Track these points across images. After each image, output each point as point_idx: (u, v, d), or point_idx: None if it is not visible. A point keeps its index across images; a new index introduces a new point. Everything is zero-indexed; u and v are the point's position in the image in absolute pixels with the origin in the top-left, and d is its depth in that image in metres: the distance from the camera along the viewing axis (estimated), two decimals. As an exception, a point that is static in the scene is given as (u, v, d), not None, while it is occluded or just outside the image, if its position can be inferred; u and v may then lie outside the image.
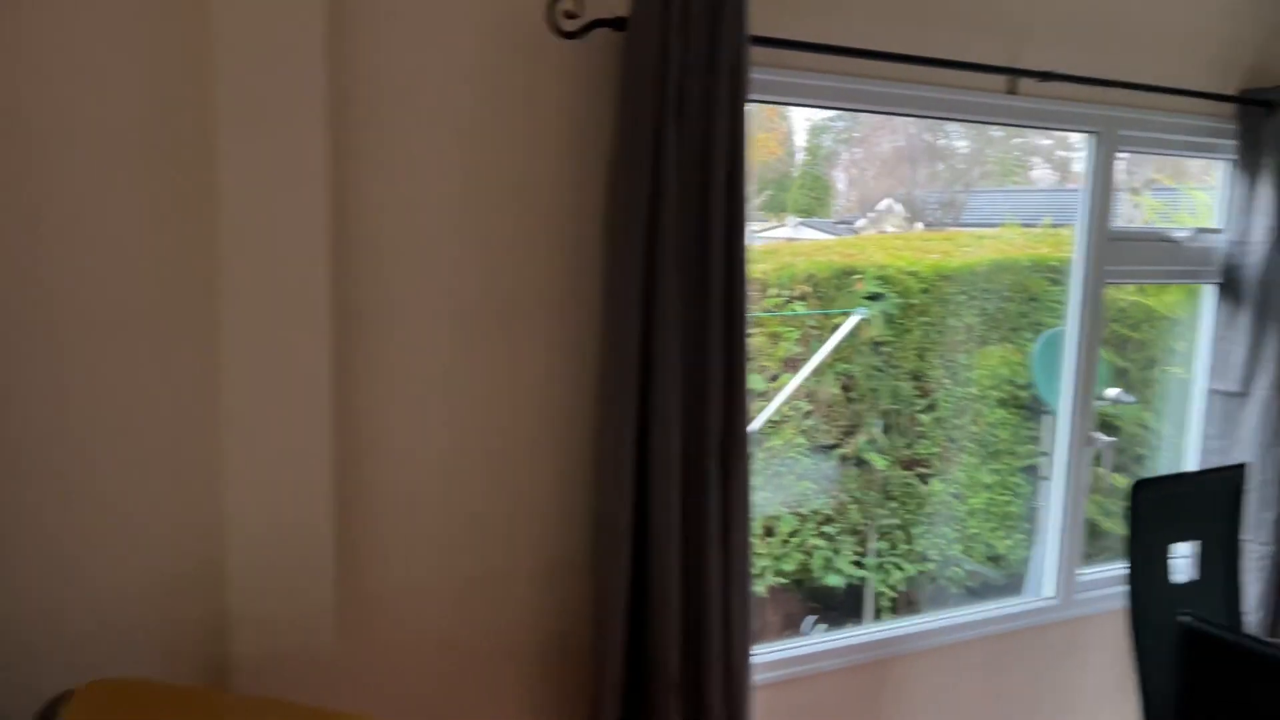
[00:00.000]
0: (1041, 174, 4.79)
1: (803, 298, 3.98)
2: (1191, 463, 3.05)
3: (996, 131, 4.35)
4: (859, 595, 3.91)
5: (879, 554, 3.93)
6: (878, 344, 3.91)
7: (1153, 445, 3.56)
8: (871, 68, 2.27)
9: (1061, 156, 4.44)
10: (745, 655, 2.09)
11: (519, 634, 2.06)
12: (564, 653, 2.09)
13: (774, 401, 3.88)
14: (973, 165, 4.68)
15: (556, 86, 1.94)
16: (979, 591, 3.80)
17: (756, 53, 1.97)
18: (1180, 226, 2.92)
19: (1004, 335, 3.94)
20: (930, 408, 3.87)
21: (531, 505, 2.03)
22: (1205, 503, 2.45)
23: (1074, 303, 2.76)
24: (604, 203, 1.98)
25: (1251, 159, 2.81)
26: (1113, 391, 3.47)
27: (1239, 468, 2.48)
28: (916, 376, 3.87)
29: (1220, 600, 2.49)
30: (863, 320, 3.92)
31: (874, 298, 3.88)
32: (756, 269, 3.74)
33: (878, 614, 3.86)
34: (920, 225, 4.79)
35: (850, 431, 3.97)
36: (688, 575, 1.99)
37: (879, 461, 3.92)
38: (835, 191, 5.00)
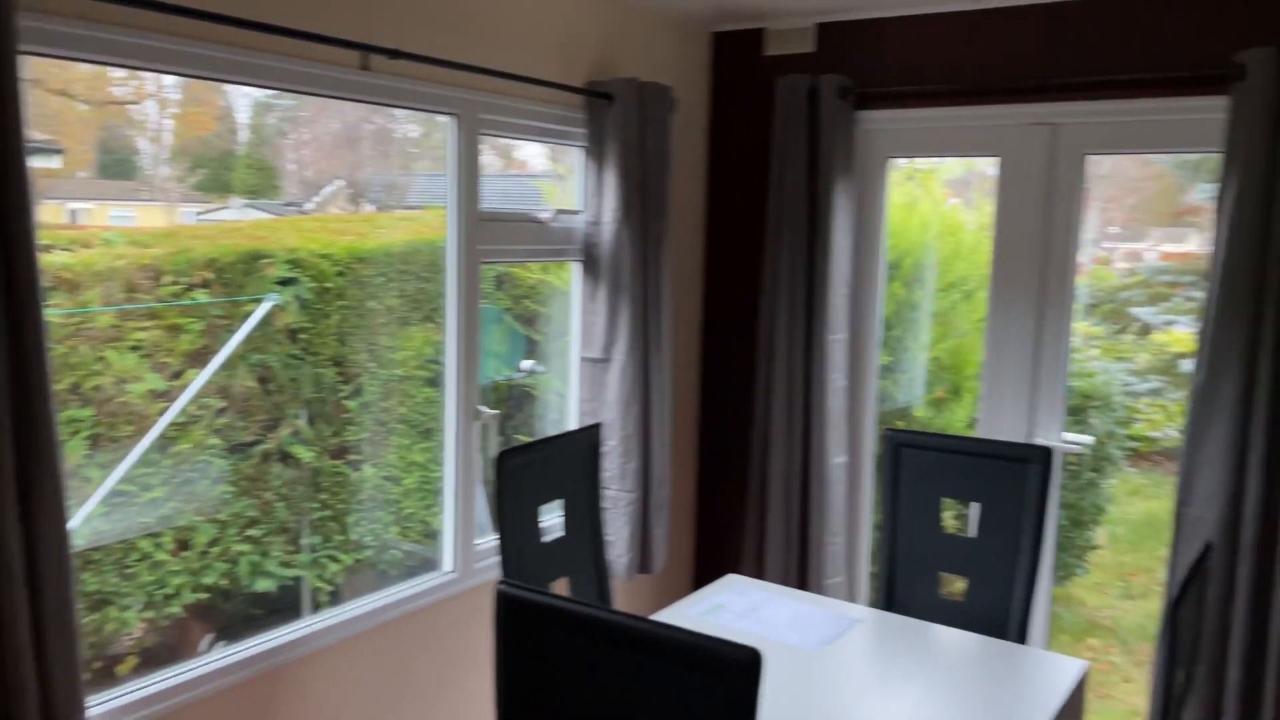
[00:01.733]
0: (489, 160, 4.95)
1: (205, 285, 3.65)
2: (572, 424, 3.31)
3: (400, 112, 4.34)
4: (296, 595, 3.72)
5: (313, 549, 3.77)
6: (295, 331, 3.71)
7: (561, 412, 3.86)
8: (198, 28, 2.07)
9: (505, 144, 4.62)
10: (77, 710, 1.82)
11: None
12: None
13: (178, 401, 3.49)
14: (425, 150, 4.68)
15: None
16: (421, 569, 3.84)
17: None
18: (544, 208, 3.12)
19: (425, 315, 3.97)
20: (356, 393, 3.76)
21: None
22: (566, 463, 2.65)
23: (451, 282, 2.82)
24: None
25: (598, 147, 3.09)
26: (528, 363, 3.66)
27: (593, 428, 2.72)
28: (338, 362, 3.74)
29: (589, 551, 2.72)
30: (275, 307, 3.67)
31: (286, 283, 3.66)
32: (148, 253, 3.33)
33: (317, 610, 3.71)
34: (371, 208, 4.69)
35: (271, 426, 3.74)
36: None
37: (305, 454, 3.72)
38: (283, 173, 4.71)
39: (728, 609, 2.56)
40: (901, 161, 3.63)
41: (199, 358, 3.51)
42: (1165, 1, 2.88)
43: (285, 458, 3.70)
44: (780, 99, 3.41)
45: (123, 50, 2.01)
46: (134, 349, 3.27)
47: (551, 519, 2.85)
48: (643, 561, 3.31)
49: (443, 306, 2.89)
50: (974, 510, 2.73)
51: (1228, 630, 2.78)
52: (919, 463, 2.74)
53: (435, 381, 4.03)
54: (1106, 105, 3.01)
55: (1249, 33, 2.73)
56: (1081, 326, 4.70)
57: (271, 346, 3.56)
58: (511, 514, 2.45)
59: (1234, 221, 2.70)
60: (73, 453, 3.14)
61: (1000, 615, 2.60)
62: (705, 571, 3.88)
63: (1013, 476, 2.60)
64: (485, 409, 3.02)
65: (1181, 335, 4.44)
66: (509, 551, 2.42)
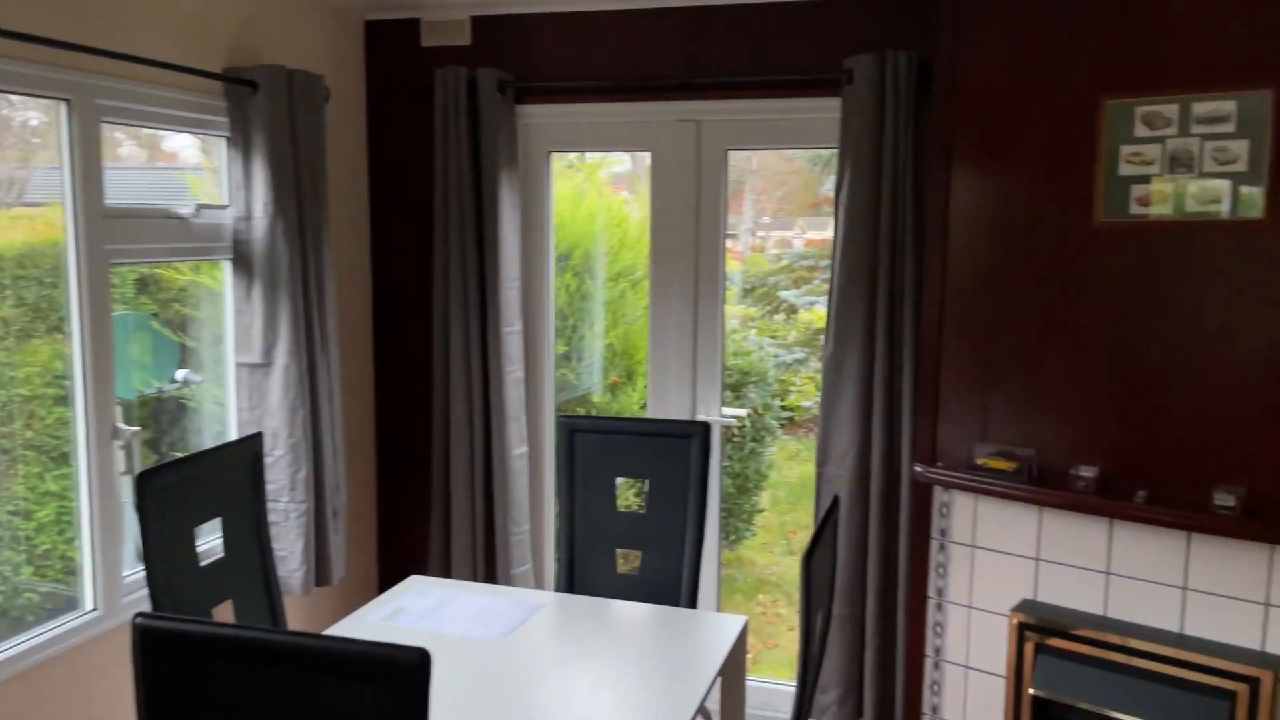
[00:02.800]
0: (130, 151, 4.44)
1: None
2: (234, 435, 3.09)
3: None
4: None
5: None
6: None
7: (223, 423, 3.57)
8: None
9: (151, 135, 4.17)
10: None
11: None
12: None
13: None
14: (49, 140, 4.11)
15: None
16: (64, 610, 3.41)
17: None
18: (185, 202, 2.88)
19: (52, 326, 3.53)
20: None
21: None
22: (224, 478, 2.47)
23: (72, 286, 2.53)
24: None
25: (243, 136, 2.89)
26: (181, 373, 3.34)
27: (253, 437, 2.55)
28: None
29: (255, 569, 2.55)
30: None
31: None
32: None
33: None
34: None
35: None
36: None
37: None
38: None
39: (409, 611, 2.51)
40: (572, 156, 3.73)
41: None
42: (788, 10, 3.17)
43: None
44: (439, 91, 3.38)
45: None
46: None
47: (211, 540, 2.64)
48: (319, 574, 3.16)
49: (67, 315, 2.58)
50: (646, 486, 2.87)
51: (864, 573, 3.14)
52: (592, 446, 2.83)
53: (67, 399, 3.60)
54: (741, 104, 3.27)
55: (858, 40, 3.07)
56: (738, 309, 5.10)
57: None
58: (158, 539, 2.23)
59: (848, 210, 3.04)
60: None
61: (673, 584, 2.75)
62: (390, 577, 3.78)
63: (677, 452, 2.76)
64: (126, 426, 2.74)
65: (821, 314, 4.93)
66: (158, 580, 2.21)
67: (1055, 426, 2.62)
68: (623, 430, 2.84)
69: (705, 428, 2.78)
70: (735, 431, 3.59)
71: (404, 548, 3.79)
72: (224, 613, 2.44)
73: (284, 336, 2.97)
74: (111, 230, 2.59)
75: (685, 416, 3.48)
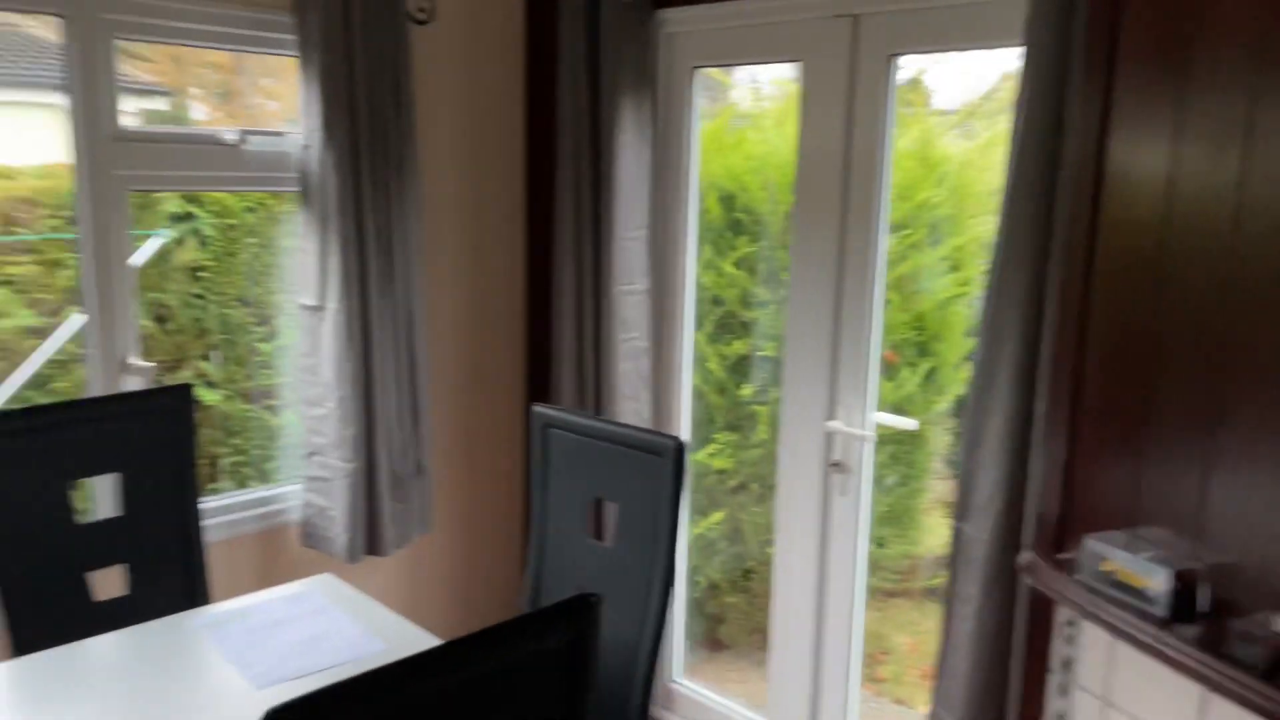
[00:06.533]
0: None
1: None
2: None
3: None
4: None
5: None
6: (194, 270, 3.46)
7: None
8: None
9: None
10: None
11: None
12: None
13: (54, 338, 3.32)
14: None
15: None
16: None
17: None
18: (230, 129, 2.69)
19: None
20: (272, 336, 3.44)
21: None
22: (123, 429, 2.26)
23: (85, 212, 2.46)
24: None
25: (304, 55, 2.60)
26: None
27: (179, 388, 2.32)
28: (247, 302, 3.45)
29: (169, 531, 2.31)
30: (170, 244, 3.44)
31: (182, 218, 3.43)
32: (29, 185, 3.17)
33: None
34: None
35: (173, 367, 3.55)
36: None
37: (211, 397, 3.48)
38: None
39: (238, 624, 2.10)
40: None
41: (79, 295, 3.38)
42: None
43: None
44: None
45: None
46: (6, 284, 3.13)
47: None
48: (371, 542, 2.87)
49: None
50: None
51: (1004, 692, 2.07)
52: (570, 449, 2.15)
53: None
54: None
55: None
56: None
57: (168, 285, 3.35)
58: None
59: (1022, 131, 1.94)
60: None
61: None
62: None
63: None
64: (140, 362, 2.65)
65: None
66: None
67: (1256, 528, 1.40)
68: (599, 435, 2.11)
69: (678, 445, 1.96)
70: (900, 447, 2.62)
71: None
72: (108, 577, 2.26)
73: (334, 279, 2.68)
74: (123, 154, 2.47)
75: (819, 419, 2.59)
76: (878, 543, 2.90)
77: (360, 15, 2.61)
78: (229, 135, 2.64)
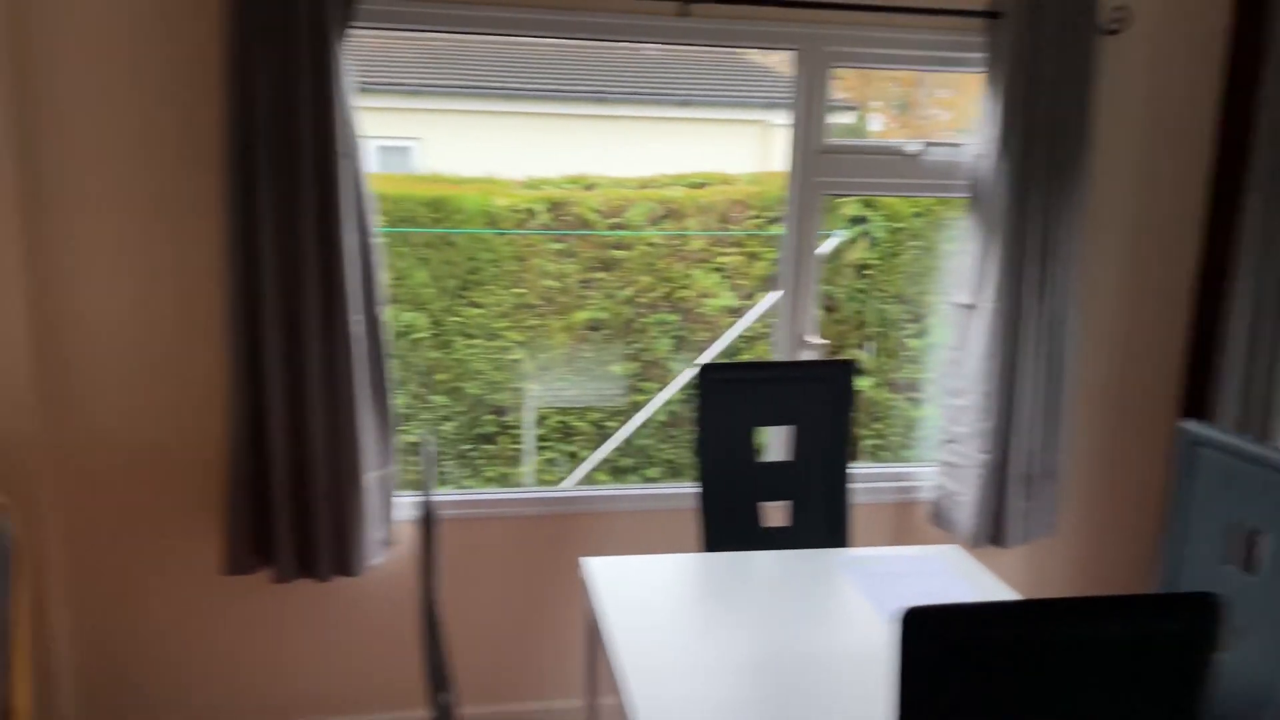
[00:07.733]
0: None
1: (781, 219, 4.24)
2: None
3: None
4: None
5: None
6: (861, 267, 4.09)
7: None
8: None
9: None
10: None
11: (189, 450, 2.69)
12: (235, 466, 2.58)
13: (751, 314, 4.14)
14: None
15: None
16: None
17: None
18: (913, 141, 2.98)
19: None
20: (922, 333, 3.92)
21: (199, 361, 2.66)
22: (800, 390, 2.69)
23: (793, 214, 2.97)
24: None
25: (991, 71, 2.81)
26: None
27: (844, 363, 2.69)
28: (903, 300, 3.97)
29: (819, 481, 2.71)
30: (844, 243, 4.11)
31: (857, 221, 4.07)
32: (741, 189, 4.08)
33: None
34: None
35: (834, 351, 4.20)
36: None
37: (862, 383, 4.03)
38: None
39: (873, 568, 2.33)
40: None
41: (771, 282, 4.17)
42: None
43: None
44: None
45: (439, 19, 2.62)
46: (717, 270, 4.04)
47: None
48: (995, 533, 3.00)
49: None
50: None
51: None
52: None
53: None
54: None
55: None
56: None
57: (837, 279, 4.01)
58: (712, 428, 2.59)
59: None
60: (660, 349, 4.08)
61: None
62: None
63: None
64: (816, 339, 3.10)
65: None
66: (707, 465, 2.59)
67: None
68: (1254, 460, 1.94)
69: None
70: None
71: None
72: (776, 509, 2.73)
73: (992, 280, 2.86)
74: (824, 164, 2.93)
75: None
76: None
77: (1053, 30, 2.72)
78: (912, 147, 2.96)
